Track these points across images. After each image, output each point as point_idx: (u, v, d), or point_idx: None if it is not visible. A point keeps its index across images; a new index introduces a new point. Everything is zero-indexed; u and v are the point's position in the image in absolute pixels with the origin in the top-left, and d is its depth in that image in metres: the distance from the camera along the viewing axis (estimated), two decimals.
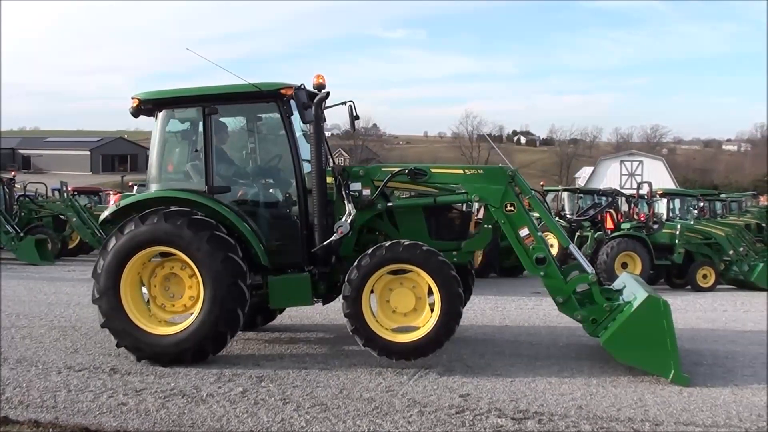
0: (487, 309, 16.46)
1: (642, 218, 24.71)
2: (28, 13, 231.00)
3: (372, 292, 10.05)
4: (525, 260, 10.43)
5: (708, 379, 9.95)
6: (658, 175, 67.37)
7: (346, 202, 10.44)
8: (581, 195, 30.72)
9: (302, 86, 10.49)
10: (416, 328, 10.02)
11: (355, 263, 9.91)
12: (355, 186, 10.60)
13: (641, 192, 27.30)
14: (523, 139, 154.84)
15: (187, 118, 11.11)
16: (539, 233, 10.52)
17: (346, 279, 9.92)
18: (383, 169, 10.85)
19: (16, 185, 31.37)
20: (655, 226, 23.42)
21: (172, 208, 10.18)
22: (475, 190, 10.55)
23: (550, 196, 31.43)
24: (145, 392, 8.79)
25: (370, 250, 9.93)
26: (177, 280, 10.47)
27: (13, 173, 34.28)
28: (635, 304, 9.78)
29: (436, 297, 9.84)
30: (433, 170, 10.78)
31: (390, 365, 10.06)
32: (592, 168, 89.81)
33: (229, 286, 9.90)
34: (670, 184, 68.26)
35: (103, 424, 7.77)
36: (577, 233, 24.99)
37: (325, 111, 11.01)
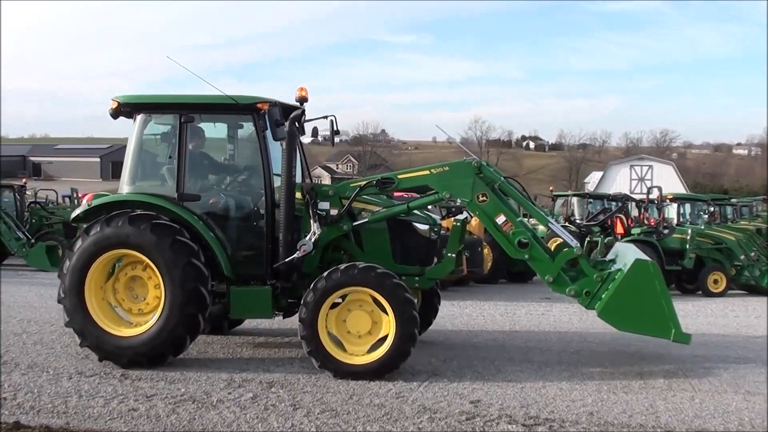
0: (497, 315, 16.46)
1: (652, 223, 24.69)
2: (35, 18, 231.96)
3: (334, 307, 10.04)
4: (507, 246, 10.37)
5: (719, 385, 9.92)
6: (668, 180, 67.37)
7: (312, 220, 10.46)
8: (591, 200, 30.67)
9: (276, 103, 10.56)
10: (372, 350, 9.94)
11: (311, 286, 9.89)
12: (324, 205, 10.62)
13: (651, 197, 27.24)
14: (531, 144, 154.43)
15: (164, 124, 11.21)
16: (519, 218, 10.46)
17: (302, 302, 9.92)
18: (351, 184, 10.85)
19: (26, 192, 31.55)
20: (666, 231, 23.35)
21: (113, 213, 10.35)
22: (444, 188, 10.52)
23: (559, 201, 31.43)
24: (155, 398, 8.80)
25: (325, 273, 9.89)
26: (141, 282, 10.63)
27: (23, 180, 34.50)
28: (625, 270, 9.78)
29: (391, 319, 9.76)
30: (400, 176, 10.78)
31: (400, 371, 10.04)
32: (601, 173, 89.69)
33: (183, 266, 10.03)
34: (680, 189, 68.20)
35: (113, 429, 7.78)
36: (587, 238, 24.94)
37: (304, 125, 11.25)
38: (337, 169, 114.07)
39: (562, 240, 10.84)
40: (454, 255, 10.84)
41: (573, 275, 10.41)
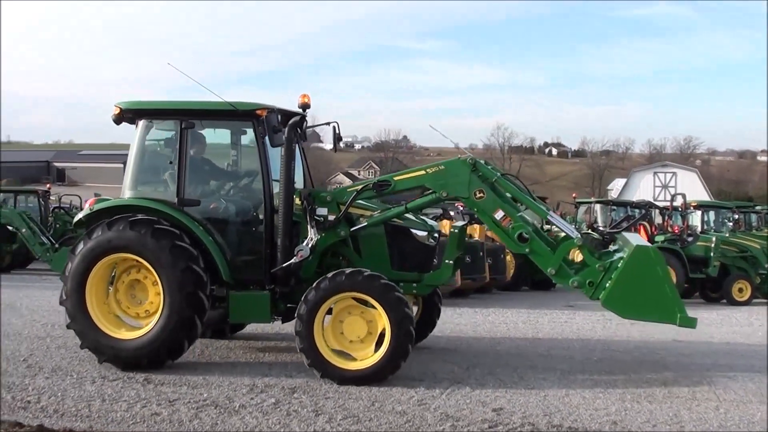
0: (520, 322, 16.41)
1: (676, 231, 24.59)
2: (59, 26, 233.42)
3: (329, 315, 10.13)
4: (507, 241, 10.42)
5: (744, 395, 9.84)
6: (691, 187, 66.88)
7: (309, 226, 10.49)
8: (614, 207, 30.59)
9: (274, 109, 10.69)
10: (372, 353, 9.97)
11: (302, 298, 9.96)
12: (322, 211, 10.63)
13: (675, 204, 27.12)
14: (554, 151, 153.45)
15: (166, 129, 11.36)
16: (519, 213, 10.40)
17: (296, 314, 9.99)
18: (349, 189, 10.89)
19: (51, 197, 31.79)
20: (690, 239, 23.23)
21: (115, 217, 10.51)
22: (441, 187, 10.48)
23: (582, 209, 31.32)
24: (178, 402, 8.83)
25: (314, 284, 9.95)
26: (141, 286, 10.79)
27: (48, 186, 34.71)
28: (626, 257, 9.74)
29: (385, 321, 9.77)
30: (396, 178, 10.80)
31: (423, 378, 10.05)
32: (624, 180, 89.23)
33: (183, 271, 10.16)
34: (704, 196, 67.65)
35: None
36: (611, 246, 24.81)
37: (306, 131, 11.55)
38: (359, 175, 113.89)
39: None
40: (452, 262, 10.84)
41: (578, 267, 10.33)
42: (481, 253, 20.76)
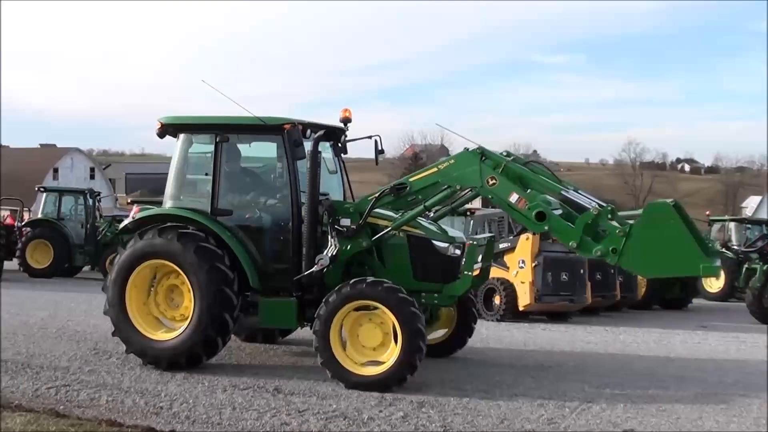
0: (651, 342, 16.10)
1: None
2: (196, 44, 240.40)
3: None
4: (526, 222, 10.31)
5: None
6: None
7: (330, 236, 10.73)
8: (749, 226, 29.74)
9: (296, 123, 11.00)
10: (382, 362, 10.12)
11: (324, 300, 10.21)
12: (345, 221, 10.86)
13: None
14: (687, 167, 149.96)
15: (203, 143, 11.94)
16: (541, 194, 10.17)
17: (315, 315, 10.25)
18: (368, 198, 11.02)
19: None
20: None
21: (147, 227, 11.25)
22: (454, 180, 10.58)
23: (716, 227, 30.53)
24: (307, 413, 8.90)
25: (337, 287, 10.20)
26: (178, 291, 11.41)
27: None
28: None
29: (398, 333, 9.90)
30: (411, 179, 10.94)
31: (552, 396, 9.92)
32: (760, 197, 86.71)
33: (208, 270, 10.68)
34: None
35: None
36: (745, 265, 24.11)
37: (346, 144, 12.26)
38: None
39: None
40: (471, 273, 10.85)
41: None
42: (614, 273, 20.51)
